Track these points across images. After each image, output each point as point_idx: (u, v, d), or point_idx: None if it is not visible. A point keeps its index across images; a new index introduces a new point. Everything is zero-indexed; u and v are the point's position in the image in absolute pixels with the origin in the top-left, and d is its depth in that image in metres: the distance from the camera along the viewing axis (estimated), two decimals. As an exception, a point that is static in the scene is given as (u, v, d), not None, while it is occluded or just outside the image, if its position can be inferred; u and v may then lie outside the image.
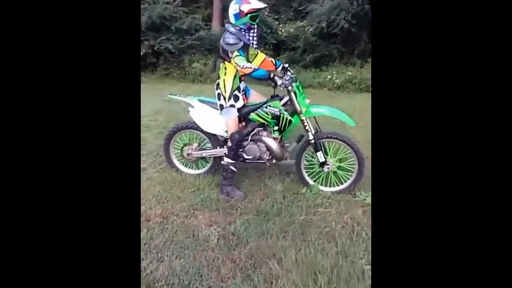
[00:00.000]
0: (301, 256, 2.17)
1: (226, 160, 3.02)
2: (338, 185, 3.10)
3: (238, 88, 3.02)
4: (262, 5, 2.90)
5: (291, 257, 2.15)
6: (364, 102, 6.48)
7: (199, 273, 2.05)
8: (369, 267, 2.04)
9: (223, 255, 2.21)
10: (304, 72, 9.18)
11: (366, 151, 3.09)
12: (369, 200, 2.86)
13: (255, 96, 3.22)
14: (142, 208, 2.75)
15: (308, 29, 9.35)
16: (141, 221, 2.57)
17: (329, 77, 8.67)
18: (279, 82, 2.85)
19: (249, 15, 2.85)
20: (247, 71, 2.84)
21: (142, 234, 2.40)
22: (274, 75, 2.88)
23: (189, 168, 3.47)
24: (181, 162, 3.48)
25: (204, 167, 3.45)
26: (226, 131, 3.14)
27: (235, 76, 2.97)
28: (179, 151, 3.43)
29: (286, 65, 3.28)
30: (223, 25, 10.85)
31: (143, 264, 2.11)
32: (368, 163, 3.05)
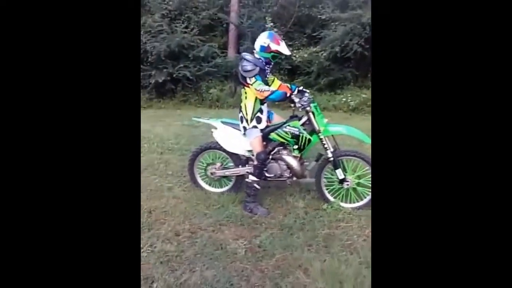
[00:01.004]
0: (326, 266, 2.27)
1: (251, 178, 3.17)
2: (358, 201, 3.20)
3: (260, 110, 3.21)
4: (287, 52, 3.15)
5: (316, 267, 2.25)
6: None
7: (229, 282, 2.16)
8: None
9: (251, 266, 2.32)
10: (319, 95, 9.37)
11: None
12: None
13: (279, 119, 3.40)
14: (172, 223, 2.90)
15: (322, 54, 9.61)
16: (171, 235, 2.72)
17: (344, 99, 8.83)
18: (296, 100, 3.03)
19: (272, 54, 3.12)
20: (266, 94, 3.04)
21: (173, 247, 2.54)
22: (292, 96, 3.07)
23: (212, 186, 3.62)
24: (204, 181, 3.64)
25: (227, 185, 3.59)
26: (249, 151, 3.31)
27: (255, 100, 3.17)
28: (203, 170, 3.60)
29: (301, 88, 3.46)
30: (238, 52, 11.23)
31: (175, 274, 2.24)
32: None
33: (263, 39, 3.11)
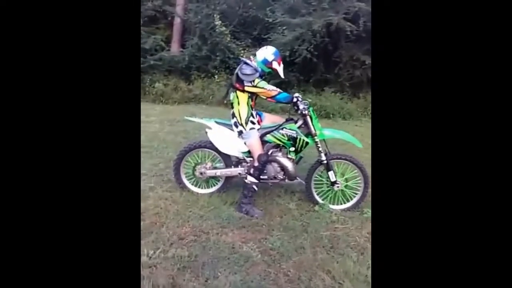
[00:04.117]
0: (345, 267, 2.35)
1: (250, 179, 3.14)
2: (345, 203, 3.36)
3: (252, 115, 3.23)
4: (282, 75, 3.31)
5: (337, 268, 2.33)
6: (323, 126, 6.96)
7: (261, 286, 2.13)
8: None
9: (273, 269, 2.31)
10: (264, 97, 9.51)
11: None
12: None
13: (269, 119, 3.42)
14: (170, 226, 2.75)
15: (269, 57, 9.76)
16: (175, 239, 2.59)
17: (290, 103, 9.08)
18: (301, 106, 3.09)
19: (270, 70, 3.25)
20: (273, 93, 3.10)
21: (183, 252, 2.42)
22: (298, 100, 3.13)
23: (198, 187, 3.50)
24: (190, 181, 3.51)
25: (214, 186, 3.51)
26: (243, 152, 3.28)
27: (247, 103, 3.18)
28: (190, 170, 3.46)
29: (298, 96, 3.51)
30: (182, 47, 10.94)
31: (199, 280, 2.15)
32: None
33: (269, 54, 3.19)
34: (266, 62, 3.17)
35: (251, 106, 3.22)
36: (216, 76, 9.97)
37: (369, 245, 2.68)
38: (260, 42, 10.81)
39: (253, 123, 3.22)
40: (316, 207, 3.28)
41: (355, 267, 2.36)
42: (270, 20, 9.83)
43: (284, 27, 9.50)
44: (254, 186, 3.15)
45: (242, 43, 10.74)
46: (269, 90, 3.10)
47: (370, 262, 2.46)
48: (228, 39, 9.97)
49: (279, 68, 3.22)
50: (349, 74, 9.16)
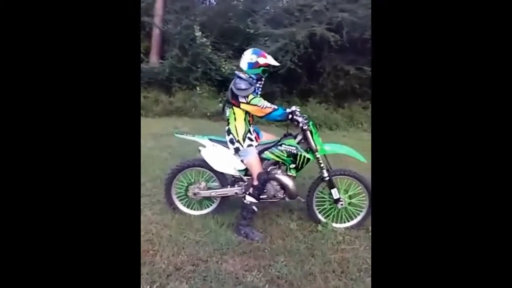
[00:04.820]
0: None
1: (249, 199, 2.92)
2: (348, 221, 3.17)
3: (249, 131, 3.01)
4: (276, 63, 3.02)
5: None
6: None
7: (274, 324, 1.90)
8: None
9: (285, 301, 2.09)
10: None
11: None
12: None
13: (266, 136, 3.21)
14: (165, 255, 2.48)
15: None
16: (172, 269, 2.32)
17: (274, 114, 8.93)
18: (300, 119, 2.90)
19: (262, 68, 2.95)
20: (267, 110, 2.86)
21: (182, 286, 2.16)
22: (294, 115, 2.92)
23: (191, 208, 3.24)
24: (182, 203, 3.24)
25: (208, 207, 3.26)
26: (239, 170, 3.06)
27: (244, 119, 2.97)
28: (183, 191, 3.21)
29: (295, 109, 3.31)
30: (162, 58, 10.66)
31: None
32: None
33: (248, 57, 2.95)
34: (252, 65, 2.92)
35: (248, 121, 3.00)
36: (198, 88, 9.73)
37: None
38: (241, 53, 10.68)
39: (250, 139, 2.99)
40: (319, 227, 3.07)
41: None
42: (252, 31, 9.72)
43: (266, 38, 9.40)
44: (254, 207, 2.92)
45: (224, 54, 10.55)
46: (262, 107, 2.84)
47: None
48: (209, 50, 9.75)
49: (268, 59, 2.95)
50: (333, 84, 9.12)
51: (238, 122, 2.96)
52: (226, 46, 10.93)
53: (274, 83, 9.67)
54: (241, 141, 2.96)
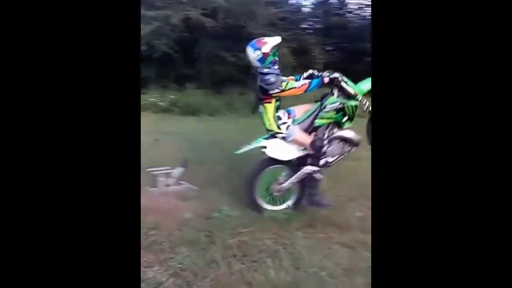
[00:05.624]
0: (264, 275, 2.25)
1: (310, 168, 3.10)
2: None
3: (279, 117, 3.11)
4: (278, 39, 3.03)
5: (257, 278, 2.21)
6: (192, 124, 6.97)
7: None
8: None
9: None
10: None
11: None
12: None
13: (299, 110, 3.25)
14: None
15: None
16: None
17: (151, 99, 8.56)
18: (333, 77, 3.02)
19: (271, 53, 2.97)
20: (305, 87, 3.00)
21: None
22: (325, 77, 3.05)
23: (273, 204, 3.29)
24: (266, 202, 3.28)
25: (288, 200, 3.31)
26: (303, 149, 3.16)
27: (273, 112, 3.08)
28: (266, 191, 3.26)
29: (311, 71, 3.34)
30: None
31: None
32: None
33: (253, 54, 2.97)
34: (262, 59, 2.95)
35: (276, 109, 3.10)
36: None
37: (279, 248, 2.63)
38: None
39: (284, 123, 3.10)
40: (215, 213, 3.09)
41: (274, 273, 2.27)
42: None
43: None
44: (316, 175, 3.13)
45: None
46: (299, 87, 2.98)
47: (283, 264, 2.41)
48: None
49: (271, 42, 2.97)
50: (210, 70, 9.14)
51: (269, 117, 3.07)
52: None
53: (149, 68, 9.24)
54: (279, 130, 3.08)
